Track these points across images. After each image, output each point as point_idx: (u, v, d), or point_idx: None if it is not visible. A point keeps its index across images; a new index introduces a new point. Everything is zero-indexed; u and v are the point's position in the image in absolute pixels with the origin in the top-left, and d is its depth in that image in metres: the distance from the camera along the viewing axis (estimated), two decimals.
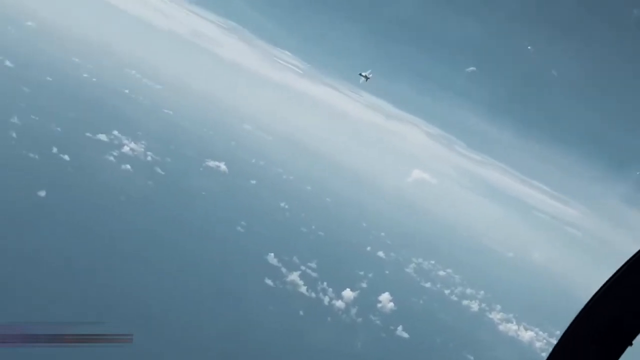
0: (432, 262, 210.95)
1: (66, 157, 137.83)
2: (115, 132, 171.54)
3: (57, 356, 40.16)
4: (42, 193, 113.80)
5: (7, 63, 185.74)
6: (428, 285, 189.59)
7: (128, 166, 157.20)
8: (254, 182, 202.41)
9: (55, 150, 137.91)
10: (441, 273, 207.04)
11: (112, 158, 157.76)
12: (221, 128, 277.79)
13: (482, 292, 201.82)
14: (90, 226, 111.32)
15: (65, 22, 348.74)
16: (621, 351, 4.95)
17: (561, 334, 5.09)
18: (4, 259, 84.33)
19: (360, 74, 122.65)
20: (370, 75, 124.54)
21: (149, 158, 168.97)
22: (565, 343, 5.03)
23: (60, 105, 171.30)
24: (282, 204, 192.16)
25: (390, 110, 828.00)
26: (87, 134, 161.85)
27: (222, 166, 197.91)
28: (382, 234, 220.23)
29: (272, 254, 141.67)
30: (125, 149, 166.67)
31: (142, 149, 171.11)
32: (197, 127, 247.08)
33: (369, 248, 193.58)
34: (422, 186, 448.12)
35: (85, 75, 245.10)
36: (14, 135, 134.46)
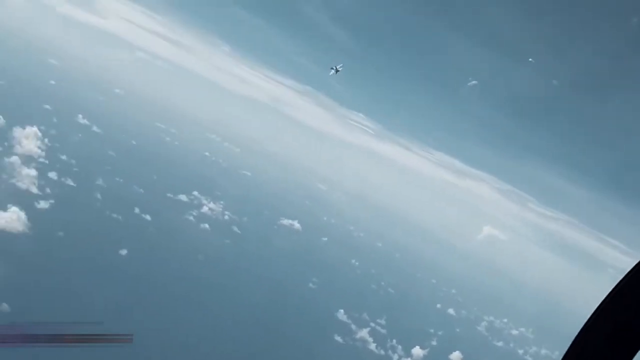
0: (505, 320, 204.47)
1: (147, 217, 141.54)
2: (195, 193, 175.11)
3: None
4: (124, 252, 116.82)
5: (95, 129, 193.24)
6: (500, 344, 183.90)
7: (206, 225, 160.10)
8: (325, 239, 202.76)
9: (137, 210, 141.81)
10: (514, 332, 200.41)
11: (191, 218, 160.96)
12: (296, 187, 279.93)
13: (556, 352, 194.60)
14: (168, 283, 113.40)
15: (151, 90, 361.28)
16: (634, 354, 4.74)
17: (573, 339, 4.90)
18: (85, 314, 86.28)
19: (332, 68, 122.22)
20: (341, 68, 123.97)
21: (226, 217, 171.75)
22: (576, 348, 4.88)
23: (143, 167, 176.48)
24: (353, 261, 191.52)
25: (461, 167, 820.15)
26: (169, 195, 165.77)
27: (296, 224, 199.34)
28: (453, 291, 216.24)
29: (342, 311, 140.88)
30: (204, 208, 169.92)
31: (220, 209, 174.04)
32: (273, 187, 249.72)
33: (439, 305, 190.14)
34: (493, 243, 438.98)
35: (168, 139, 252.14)
36: (99, 196, 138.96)
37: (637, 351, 4.67)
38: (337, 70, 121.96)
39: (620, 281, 4.62)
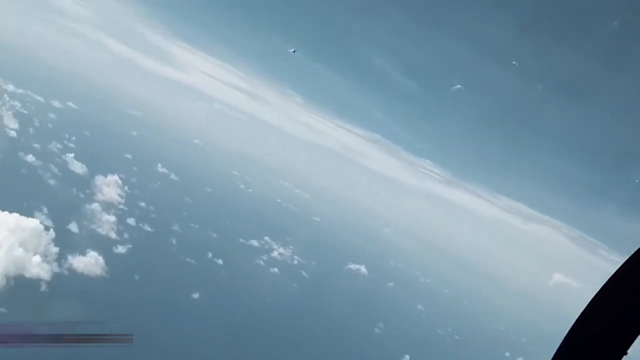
0: None
1: (220, 262, 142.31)
2: (266, 238, 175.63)
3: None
4: (196, 295, 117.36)
5: (173, 177, 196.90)
6: None
7: (276, 269, 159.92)
8: (392, 284, 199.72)
9: (210, 255, 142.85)
10: None
11: (261, 262, 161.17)
12: (363, 233, 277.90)
13: None
14: (237, 326, 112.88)
15: (227, 139, 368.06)
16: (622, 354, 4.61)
17: (558, 345, 4.74)
18: (157, 355, 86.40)
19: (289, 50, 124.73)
20: (295, 51, 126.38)
21: (295, 262, 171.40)
22: (561, 355, 4.70)
23: (217, 213, 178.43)
24: (419, 306, 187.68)
25: (529, 212, 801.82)
26: (241, 240, 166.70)
27: (363, 269, 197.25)
28: (523, 339, 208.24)
29: (408, 357, 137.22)
30: (274, 253, 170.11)
31: (290, 254, 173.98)
32: (341, 232, 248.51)
33: (507, 354, 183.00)
34: (564, 290, 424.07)
35: (242, 186, 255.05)
36: (174, 241, 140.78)
37: (621, 358, 4.59)
38: (294, 51, 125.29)
39: (602, 287, 4.63)
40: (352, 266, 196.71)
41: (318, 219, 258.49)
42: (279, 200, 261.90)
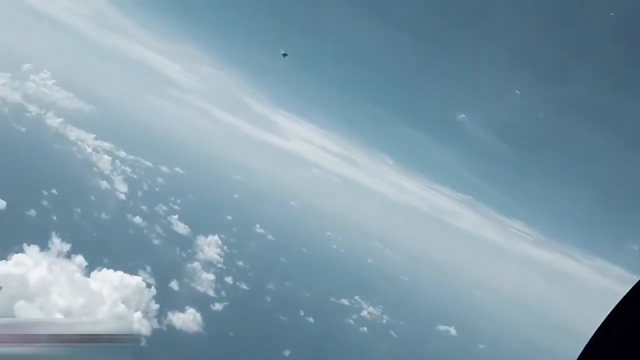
0: None
1: (311, 320, 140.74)
2: (357, 297, 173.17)
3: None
4: (287, 352, 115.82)
5: (270, 237, 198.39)
6: None
7: (365, 329, 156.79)
8: (482, 346, 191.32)
9: (302, 313, 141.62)
10: None
11: (351, 321, 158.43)
12: (453, 293, 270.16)
13: None
14: None
15: (322, 201, 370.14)
16: None
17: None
18: None
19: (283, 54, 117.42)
20: (286, 54, 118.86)
21: (384, 321, 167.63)
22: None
23: (311, 273, 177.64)
24: None
25: (624, 275, 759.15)
26: (332, 299, 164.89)
27: (452, 330, 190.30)
28: None
29: None
30: (364, 312, 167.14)
31: (379, 313, 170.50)
32: (431, 293, 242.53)
33: None
34: None
35: (334, 246, 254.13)
36: (269, 299, 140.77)
37: None
38: (285, 55, 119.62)
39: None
40: (442, 327, 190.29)
41: (407, 279, 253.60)
42: (369, 260, 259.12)
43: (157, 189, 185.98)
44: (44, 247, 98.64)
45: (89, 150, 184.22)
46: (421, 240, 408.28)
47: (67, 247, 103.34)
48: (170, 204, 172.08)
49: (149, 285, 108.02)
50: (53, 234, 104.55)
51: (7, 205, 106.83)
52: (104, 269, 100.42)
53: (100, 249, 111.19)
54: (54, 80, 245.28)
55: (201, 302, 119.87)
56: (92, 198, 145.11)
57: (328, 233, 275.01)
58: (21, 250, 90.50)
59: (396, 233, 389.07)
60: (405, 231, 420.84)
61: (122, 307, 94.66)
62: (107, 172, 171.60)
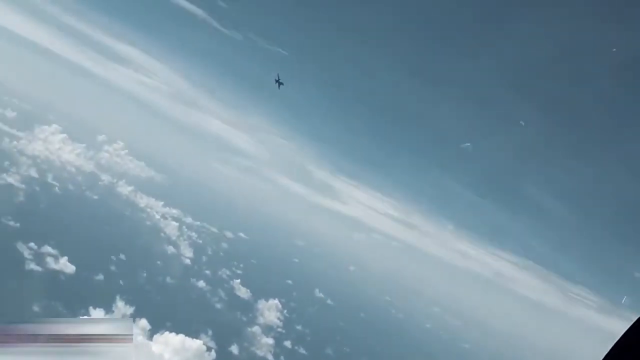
0: None
1: None
2: None
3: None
4: None
5: (329, 302, 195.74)
6: None
7: None
8: None
9: None
10: None
11: None
12: None
13: None
14: None
15: (381, 266, 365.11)
16: None
17: None
18: None
19: (276, 81, 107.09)
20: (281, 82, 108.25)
21: None
22: None
23: (369, 338, 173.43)
24: None
25: None
26: None
27: None
28: None
29: None
30: None
31: None
32: None
33: None
34: None
35: (393, 311, 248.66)
36: None
37: None
38: (280, 83, 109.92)
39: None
40: None
41: (468, 346, 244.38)
42: (428, 325, 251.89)
43: (221, 253, 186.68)
44: (108, 310, 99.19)
45: (158, 216, 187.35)
46: (481, 305, 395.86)
47: (130, 310, 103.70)
48: (233, 268, 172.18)
49: (209, 349, 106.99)
50: (117, 297, 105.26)
51: (76, 269, 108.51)
52: (166, 332, 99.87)
53: (163, 312, 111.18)
54: (126, 150, 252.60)
55: None
56: (159, 263, 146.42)
57: (387, 298, 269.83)
58: (87, 314, 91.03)
59: (456, 298, 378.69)
60: (465, 297, 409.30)
61: None
62: (174, 238, 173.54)
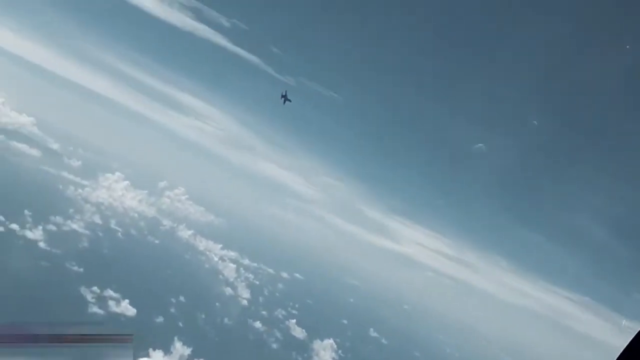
0: None
1: None
2: None
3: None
4: None
5: (383, 341, 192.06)
6: None
7: None
8: None
9: None
10: None
11: None
12: None
13: None
14: None
15: (435, 304, 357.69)
16: None
17: None
18: None
19: (282, 96, 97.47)
20: (288, 98, 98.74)
21: None
22: None
23: None
24: None
25: None
26: None
27: None
28: None
29: None
30: None
31: None
32: None
33: None
34: None
35: (448, 350, 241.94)
36: None
37: None
38: (286, 99, 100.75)
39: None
40: None
41: None
42: None
43: (277, 294, 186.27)
44: (167, 351, 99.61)
45: (216, 259, 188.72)
46: (540, 345, 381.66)
47: (188, 350, 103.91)
48: (289, 309, 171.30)
49: None
50: (175, 338, 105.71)
51: (136, 312, 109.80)
52: None
53: (220, 353, 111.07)
54: (186, 196, 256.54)
55: None
56: (217, 304, 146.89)
57: (440, 337, 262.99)
58: (146, 355, 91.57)
59: (514, 338, 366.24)
60: (523, 336, 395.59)
61: None
62: (231, 280, 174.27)
